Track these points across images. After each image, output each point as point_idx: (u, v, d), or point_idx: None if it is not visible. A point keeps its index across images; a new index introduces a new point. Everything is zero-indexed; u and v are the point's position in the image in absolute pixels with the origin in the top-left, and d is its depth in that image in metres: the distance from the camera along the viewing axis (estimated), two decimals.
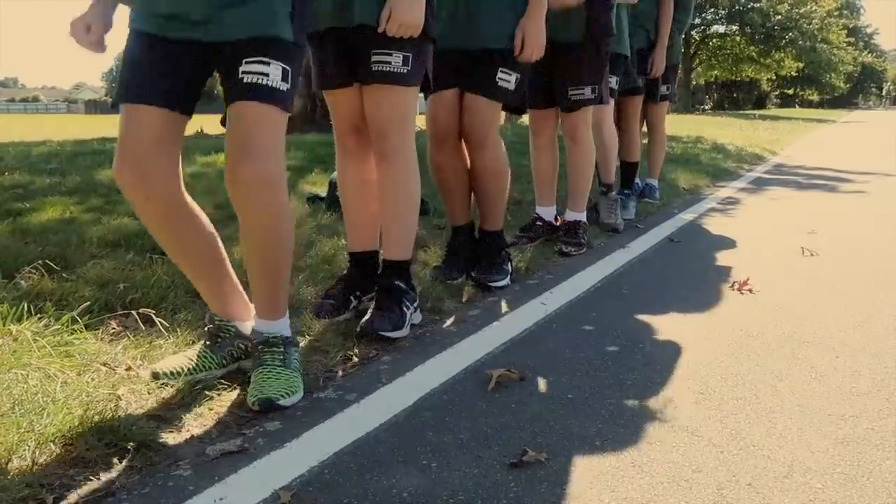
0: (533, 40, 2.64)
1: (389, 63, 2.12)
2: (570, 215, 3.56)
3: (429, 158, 2.83)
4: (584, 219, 3.59)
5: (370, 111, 2.20)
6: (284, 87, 1.70)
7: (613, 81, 3.88)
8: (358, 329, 2.17)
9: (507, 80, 2.67)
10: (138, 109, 1.72)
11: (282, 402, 1.71)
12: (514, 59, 2.64)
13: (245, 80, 1.67)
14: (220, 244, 1.89)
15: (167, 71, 1.72)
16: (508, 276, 2.83)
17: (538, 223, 3.60)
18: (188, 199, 1.81)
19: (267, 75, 1.67)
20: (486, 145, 2.74)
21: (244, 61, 1.67)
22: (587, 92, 3.31)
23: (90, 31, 1.74)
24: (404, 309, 2.23)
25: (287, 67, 1.70)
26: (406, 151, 2.21)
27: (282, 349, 1.82)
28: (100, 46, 1.77)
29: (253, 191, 1.68)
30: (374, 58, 2.12)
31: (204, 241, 1.85)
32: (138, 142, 1.71)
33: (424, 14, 2.07)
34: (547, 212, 3.63)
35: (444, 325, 2.37)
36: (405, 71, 2.13)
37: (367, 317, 2.20)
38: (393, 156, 2.20)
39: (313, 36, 2.20)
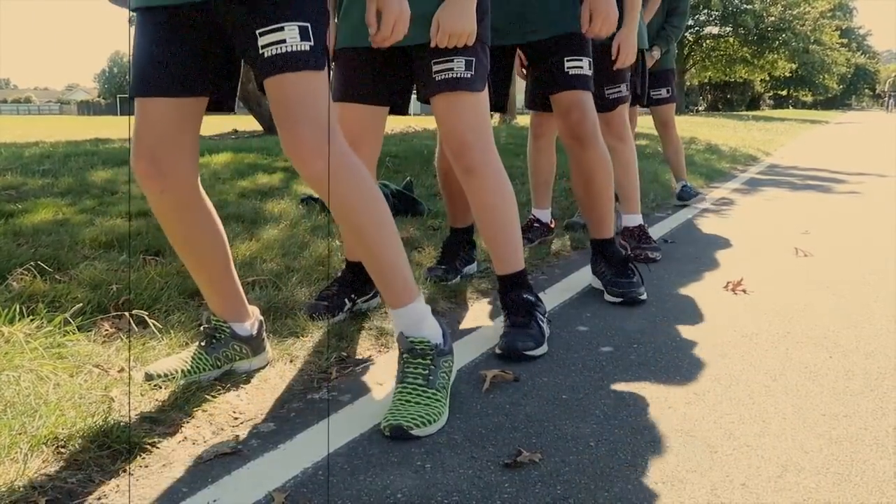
0: (605, 12, 2.44)
1: (452, 70, 2.03)
2: (633, 220, 3.44)
3: (437, 160, 2.82)
4: (641, 221, 3.47)
5: (444, 126, 2.08)
6: (307, 45, 1.58)
7: (626, 89, 3.84)
8: (498, 350, 2.08)
9: (580, 65, 2.53)
10: (147, 102, 1.68)
11: (415, 431, 1.59)
12: (579, 42, 2.53)
13: (266, 55, 1.58)
14: (227, 243, 1.88)
15: (172, 51, 1.66)
16: (640, 287, 2.68)
17: (535, 225, 3.60)
18: (202, 193, 1.79)
19: (283, 41, 1.57)
20: (596, 140, 2.57)
21: (258, 33, 1.58)
22: (623, 89, 3.26)
23: None
24: (540, 322, 2.15)
25: (304, 24, 1.59)
26: (491, 161, 2.09)
27: (428, 362, 1.71)
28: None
29: (305, 165, 1.59)
30: (436, 67, 2.04)
31: (213, 238, 1.83)
32: (153, 134, 1.68)
33: (476, 20, 1.98)
34: (544, 214, 3.63)
35: None
36: (469, 76, 2.04)
37: (504, 336, 2.09)
38: (481, 169, 2.08)
39: (340, 53, 2.17)
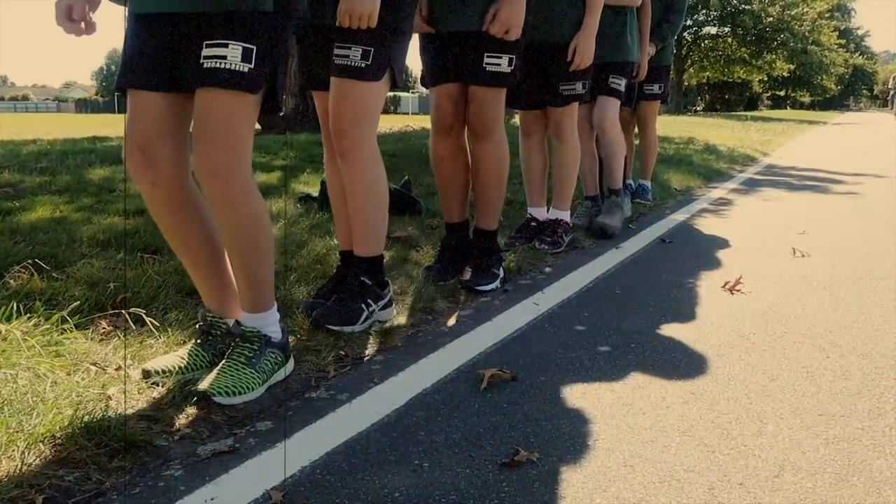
0: (585, 50, 2.93)
1: (347, 57, 2.10)
2: (553, 213, 3.57)
3: (431, 150, 2.83)
4: (567, 218, 3.58)
5: (330, 107, 2.17)
6: (246, 67, 1.65)
7: (622, 84, 3.88)
8: (313, 323, 2.20)
9: (497, 62, 2.62)
10: (138, 94, 1.72)
11: (217, 398, 1.70)
12: (500, 40, 2.59)
13: (204, 66, 1.65)
14: (219, 238, 1.89)
15: (161, 51, 1.71)
16: (498, 280, 2.81)
17: (532, 224, 3.60)
18: (194, 187, 1.81)
19: (224, 58, 1.64)
20: (490, 137, 2.73)
21: (205, 44, 1.65)
22: (578, 87, 3.32)
23: (73, 12, 1.69)
24: (363, 305, 2.23)
25: (249, 45, 1.66)
26: (362, 150, 2.17)
27: (256, 347, 1.81)
28: (87, 28, 1.71)
29: (206, 182, 1.69)
30: (335, 51, 2.11)
31: (206, 232, 1.85)
32: (142, 127, 1.72)
33: (386, 10, 2.03)
34: (539, 212, 3.63)
35: (437, 325, 2.36)
36: (363, 66, 2.10)
37: (322, 307, 2.22)
38: (350, 155, 2.17)
39: (299, 35, 2.20)
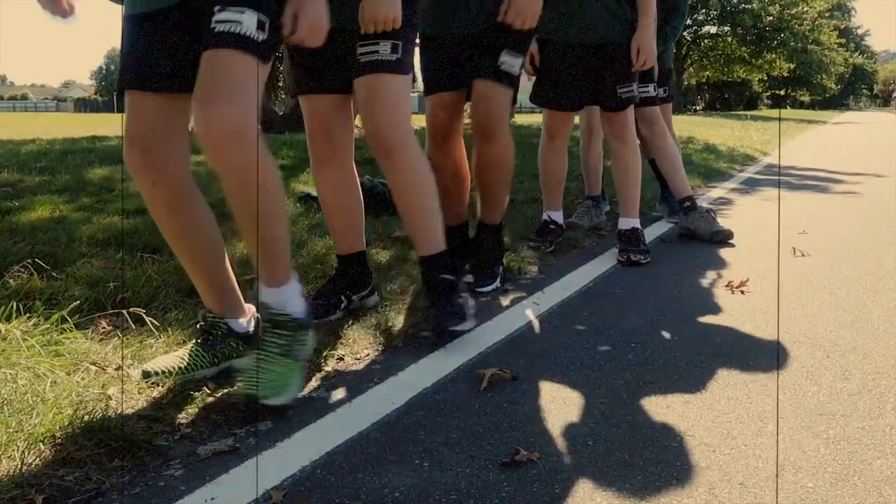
0: (649, 50, 2.97)
1: (377, 52, 2.06)
2: (627, 223, 3.38)
3: (427, 152, 2.82)
4: (639, 224, 3.43)
5: (361, 110, 2.13)
6: (260, 36, 1.62)
7: (655, 89, 3.84)
8: (430, 334, 2.17)
9: (512, 64, 2.58)
10: (138, 95, 1.72)
11: (268, 401, 1.66)
12: (518, 41, 2.57)
13: (217, 30, 1.60)
14: (221, 238, 1.88)
15: (162, 51, 1.70)
16: (498, 280, 2.77)
17: (552, 226, 3.56)
18: (195, 187, 1.80)
19: (240, 23, 1.60)
20: (498, 140, 2.66)
21: (217, 10, 1.61)
22: (634, 89, 3.24)
23: None
24: (459, 300, 2.23)
25: (263, 18, 1.63)
26: (408, 147, 2.12)
27: (288, 333, 1.76)
28: (69, 12, 1.69)
29: (217, 145, 1.59)
30: (361, 50, 2.07)
31: (207, 232, 1.84)
32: (142, 127, 1.71)
33: (402, 7, 2.01)
34: (558, 215, 3.60)
35: None
36: (394, 58, 2.07)
37: (434, 318, 2.21)
38: (396, 155, 2.12)
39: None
